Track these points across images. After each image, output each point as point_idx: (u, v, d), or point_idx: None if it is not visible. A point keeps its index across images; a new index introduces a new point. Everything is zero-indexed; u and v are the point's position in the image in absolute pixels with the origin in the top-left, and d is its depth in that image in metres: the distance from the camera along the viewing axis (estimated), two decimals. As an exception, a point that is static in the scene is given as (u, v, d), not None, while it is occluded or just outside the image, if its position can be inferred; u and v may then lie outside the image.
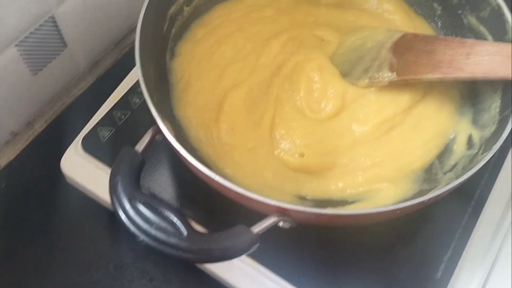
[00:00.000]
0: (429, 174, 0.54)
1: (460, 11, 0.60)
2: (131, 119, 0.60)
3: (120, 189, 0.41)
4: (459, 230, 0.56)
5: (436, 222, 0.57)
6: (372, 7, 0.65)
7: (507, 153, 0.60)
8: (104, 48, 0.73)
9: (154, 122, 0.47)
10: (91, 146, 0.58)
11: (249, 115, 0.56)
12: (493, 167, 0.59)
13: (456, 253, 0.55)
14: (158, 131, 0.47)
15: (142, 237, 0.39)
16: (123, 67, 0.67)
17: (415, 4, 0.64)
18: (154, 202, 0.41)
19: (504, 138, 0.47)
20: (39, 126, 0.70)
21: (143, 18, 0.52)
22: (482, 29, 0.57)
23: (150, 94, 0.48)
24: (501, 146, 0.46)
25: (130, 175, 0.42)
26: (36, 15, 0.59)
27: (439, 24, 0.63)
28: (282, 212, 0.44)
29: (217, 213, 0.54)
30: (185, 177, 0.53)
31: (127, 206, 0.40)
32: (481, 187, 0.58)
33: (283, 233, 0.46)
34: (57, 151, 0.61)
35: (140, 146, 0.45)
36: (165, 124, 0.48)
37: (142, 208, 0.40)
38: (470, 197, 0.58)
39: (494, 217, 0.57)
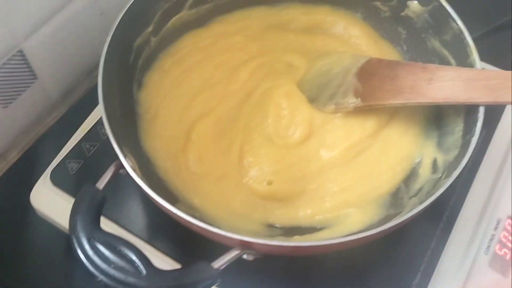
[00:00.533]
0: (396, 198, 0.54)
1: (424, 35, 0.60)
2: (99, 151, 0.60)
3: (79, 228, 0.41)
4: (428, 253, 0.56)
5: (406, 245, 0.57)
6: (339, 32, 0.66)
7: (475, 173, 0.61)
8: (76, 77, 0.73)
9: (117, 156, 0.47)
10: (59, 179, 0.58)
11: (217, 144, 0.57)
12: (461, 188, 0.60)
13: (425, 276, 0.55)
14: (121, 166, 0.47)
15: (101, 277, 0.39)
16: (95, 94, 0.67)
17: (380, 29, 0.65)
18: (113, 240, 0.41)
19: (464, 164, 0.47)
20: (13, 157, 0.69)
21: (106, 53, 0.52)
22: (446, 52, 0.58)
23: (113, 130, 0.48)
24: (469, 167, 0.47)
25: (90, 213, 0.42)
26: (3, 50, 0.59)
27: (405, 47, 0.64)
28: (245, 245, 0.44)
29: (186, 244, 0.54)
30: (153, 209, 0.53)
31: (86, 246, 0.40)
32: (449, 208, 0.59)
33: (249, 263, 0.46)
34: (30, 181, 0.61)
35: (101, 183, 0.45)
36: (129, 158, 0.48)
37: (101, 247, 0.40)
38: (438, 219, 0.58)
39: (464, 239, 0.57)
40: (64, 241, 0.59)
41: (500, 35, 0.79)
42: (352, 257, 0.54)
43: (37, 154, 0.69)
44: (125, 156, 0.47)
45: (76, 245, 0.40)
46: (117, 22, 0.54)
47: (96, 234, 0.41)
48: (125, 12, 0.55)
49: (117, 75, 0.55)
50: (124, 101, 0.56)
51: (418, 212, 0.46)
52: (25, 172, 0.66)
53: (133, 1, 0.56)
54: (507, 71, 0.49)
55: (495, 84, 0.49)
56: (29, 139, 0.71)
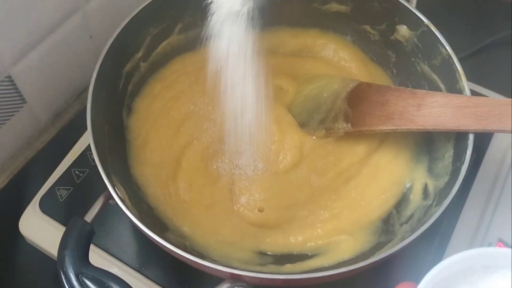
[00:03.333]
0: (387, 225, 0.54)
1: (413, 59, 0.61)
2: (89, 177, 0.60)
3: (67, 264, 0.40)
4: (421, 279, 0.56)
5: (397, 271, 0.57)
6: (328, 55, 0.66)
7: (465, 197, 0.61)
8: (65, 100, 0.73)
9: (106, 187, 0.47)
10: (49, 207, 0.58)
11: (207, 171, 0.57)
12: (452, 212, 0.60)
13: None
14: (111, 197, 0.47)
15: (89, 314, 0.39)
16: (85, 116, 0.66)
17: (370, 52, 0.66)
18: (102, 275, 0.41)
19: (455, 192, 0.47)
20: (1, 182, 0.68)
21: (95, 80, 0.52)
22: (435, 77, 0.58)
23: (102, 159, 0.48)
24: (460, 190, 0.47)
25: (78, 248, 0.42)
26: (-9, 76, 0.58)
27: (394, 71, 0.64)
28: (235, 277, 0.44)
29: (176, 273, 0.54)
30: (143, 237, 0.52)
31: (74, 282, 0.40)
32: (440, 233, 0.59)
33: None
34: (19, 207, 0.60)
35: (90, 215, 0.45)
36: (118, 188, 0.48)
37: (89, 283, 0.40)
38: (430, 244, 0.58)
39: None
40: (54, 269, 0.58)
41: (487, 55, 0.80)
42: (341, 283, 0.54)
43: (26, 179, 0.68)
44: (114, 186, 0.47)
45: (64, 281, 0.40)
46: (106, 49, 0.54)
47: (85, 270, 0.40)
48: (114, 39, 0.55)
49: (106, 101, 0.54)
50: (114, 128, 0.56)
51: (410, 241, 0.45)
52: (14, 197, 0.65)
53: (122, 28, 0.55)
54: (496, 98, 0.50)
55: (484, 111, 0.49)
56: (17, 163, 0.70)
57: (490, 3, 0.84)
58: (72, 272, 0.40)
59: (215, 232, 0.54)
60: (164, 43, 0.62)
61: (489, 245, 0.59)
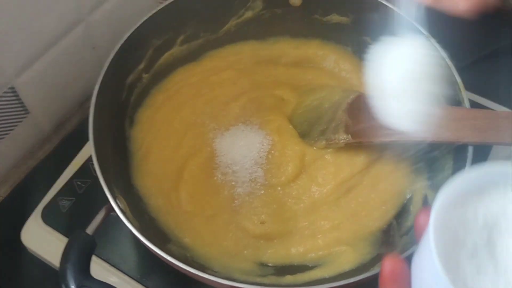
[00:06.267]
0: (387, 236, 0.54)
1: (413, 70, 0.61)
2: (91, 188, 0.60)
3: (69, 278, 0.41)
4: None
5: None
6: (329, 66, 0.66)
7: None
8: (68, 110, 0.73)
9: (108, 199, 0.47)
10: (51, 218, 0.58)
11: (209, 182, 0.57)
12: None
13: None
14: (112, 209, 0.47)
15: (90, 327, 0.39)
16: (88, 128, 0.67)
17: (371, 63, 0.66)
18: (103, 289, 0.41)
19: (454, 204, 0.47)
20: (4, 192, 0.69)
21: (97, 92, 0.52)
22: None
23: (104, 171, 0.48)
24: None
25: (80, 261, 0.42)
26: (-5, 88, 0.59)
27: (395, 82, 0.64)
28: (236, 290, 0.44)
29: (177, 284, 0.54)
30: (144, 248, 0.53)
31: (76, 295, 0.40)
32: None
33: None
34: (21, 217, 0.61)
35: (92, 228, 0.45)
36: (119, 200, 0.48)
37: (91, 296, 0.40)
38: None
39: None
40: (55, 279, 0.58)
41: (486, 65, 0.80)
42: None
43: (28, 188, 0.68)
44: (115, 198, 0.47)
45: (66, 294, 0.40)
46: (109, 61, 0.54)
47: (86, 283, 0.41)
48: (117, 51, 0.55)
49: (109, 113, 0.55)
50: (116, 139, 0.57)
51: (410, 253, 0.46)
52: (16, 207, 0.66)
53: (125, 40, 0.56)
54: (495, 111, 0.50)
55: (483, 124, 0.49)
56: (20, 173, 0.70)
57: (490, 12, 0.84)
58: (74, 285, 0.40)
59: (216, 243, 0.54)
60: (166, 55, 0.63)
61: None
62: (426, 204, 0.54)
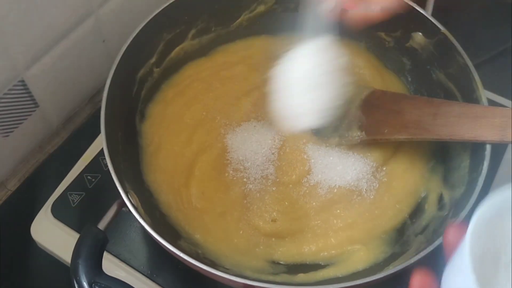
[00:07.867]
0: (402, 235, 0.54)
1: (429, 67, 0.60)
2: (101, 182, 0.60)
3: (80, 273, 0.40)
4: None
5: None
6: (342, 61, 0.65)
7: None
8: (77, 104, 0.73)
9: (120, 195, 0.46)
10: (61, 212, 0.58)
11: (220, 179, 0.56)
12: (466, 223, 0.59)
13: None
14: (124, 205, 0.46)
15: (102, 324, 0.39)
16: (98, 120, 0.66)
17: (384, 59, 0.65)
18: (115, 285, 0.40)
19: (472, 204, 0.46)
20: (12, 186, 0.69)
21: (109, 86, 0.52)
22: (451, 85, 0.57)
23: (115, 166, 0.47)
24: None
25: (92, 257, 0.41)
26: (4, 80, 0.58)
27: (409, 78, 0.64)
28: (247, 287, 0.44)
29: (188, 280, 0.54)
30: (155, 244, 0.52)
31: (88, 291, 0.39)
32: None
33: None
34: (30, 211, 0.60)
35: (103, 223, 0.45)
36: (131, 195, 0.47)
37: (102, 292, 0.40)
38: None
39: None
40: (65, 273, 0.58)
41: (502, 62, 0.79)
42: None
43: (38, 182, 0.68)
44: (127, 193, 0.46)
45: (77, 290, 0.40)
46: (120, 55, 0.54)
47: (98, 279, 0.40)
48: (128, 45, 0.54)
49: (120, 107, 0.54)
50: (127, 133, 0.56)
51: (426, 254, 0.45)
52: (26, 200, 0.66)
53: (136, 34, 0.55)
54: (514, 109, 0.49)
55: (501, 122, 0.48)
56: (29, 167, 0.70)
57: (506, 8, 0.83)
58: (86, 281, 0.40)
59: (227, 240, 0.53)
60: (177, 49, 0.62)
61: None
62: (442, 203, 0.53)
